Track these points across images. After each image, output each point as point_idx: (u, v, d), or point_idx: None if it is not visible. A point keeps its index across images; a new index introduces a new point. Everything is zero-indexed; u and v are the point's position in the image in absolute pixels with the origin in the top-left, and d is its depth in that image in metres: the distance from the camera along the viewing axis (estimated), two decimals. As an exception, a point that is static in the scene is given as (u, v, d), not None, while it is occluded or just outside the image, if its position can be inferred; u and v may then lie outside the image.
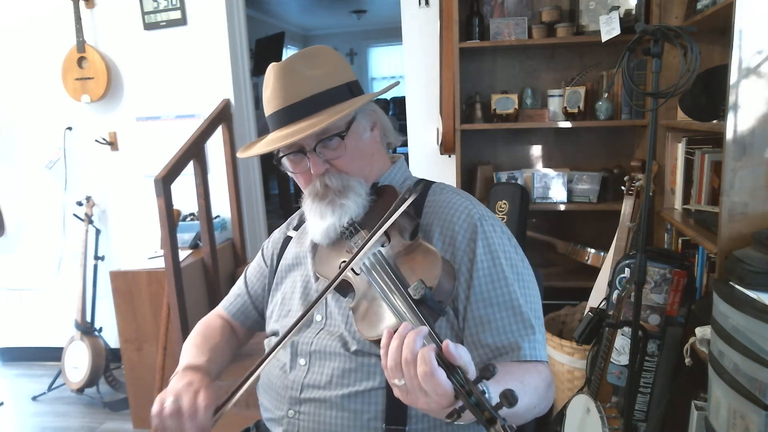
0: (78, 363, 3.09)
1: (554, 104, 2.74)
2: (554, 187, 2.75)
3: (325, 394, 1.03)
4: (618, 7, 2.45)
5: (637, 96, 2.49)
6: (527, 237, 2.71)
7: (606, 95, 2.64)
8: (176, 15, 3.09)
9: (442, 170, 2.98)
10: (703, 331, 1.58)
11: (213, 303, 2.82)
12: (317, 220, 1.06)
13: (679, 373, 1.91)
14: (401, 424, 0.99)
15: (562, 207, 2.73)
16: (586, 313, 2.04)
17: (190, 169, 2.71)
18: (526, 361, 0.97)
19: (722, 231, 1.55)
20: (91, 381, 3.08)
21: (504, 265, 1.01)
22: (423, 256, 0.92)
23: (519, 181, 2.77)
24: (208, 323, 1.30)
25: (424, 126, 3.06)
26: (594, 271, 2.50)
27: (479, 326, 0.99)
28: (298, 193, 1.15)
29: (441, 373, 0.70)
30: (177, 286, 2.51)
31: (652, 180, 2.01)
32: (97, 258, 3.26)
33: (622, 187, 2.27)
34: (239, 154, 1.13)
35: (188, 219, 3.13)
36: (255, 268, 1.32)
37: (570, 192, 2.75)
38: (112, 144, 3.32)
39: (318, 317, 1.11)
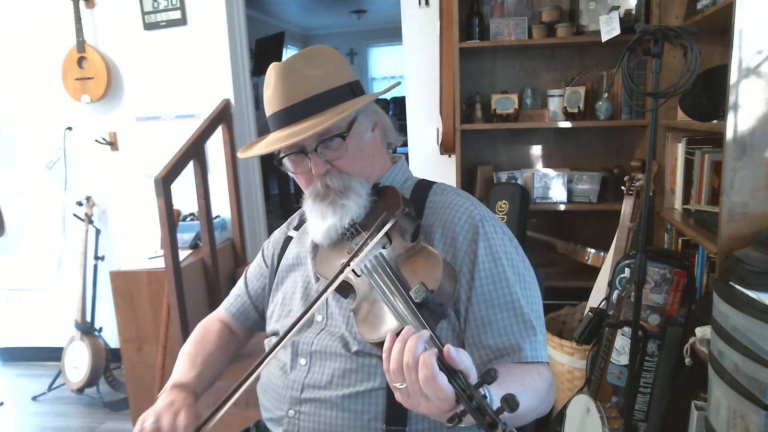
0: (78, 363, 3.09)
1: (554, 104, 2.74)
2: (554, 187, 2.75)
3: (325, 395, 1.03)
4: (618, 7, 2.45)
5: (637, 96, 2.49)
6: (527, 237, 2.71)
7: (606, 95, 2.64)
8: (176, 15, 3.09)
9: (442, 170, 2.98)
10: (703, 331, 1.58)
11: (213, 303, 2.82)
12: (318, 221, 1.06)
13: (679, 373, 1.91)
14: (401, 425, 0.99)
15: (562, 207, 2.73)
16: (586, 313, 2.04)
17: (190, 169, 2.71)
18: (528, 363, 0.97)
19: (722, 231, 1.55)
20: (91, 381, 3.08)
21: (505, 266, 1.01)
22: (424, 259, 0.92)
23: (519, 181, 2.77)
24: (206, 329, 1.30)
25: (424, 126, 3.06)
26: (594, 271, 2.50)
27: (480, 327, 0.99)
28: (299, 193, 1.15)
29: (442, 378, 0.70)
30: (177, 286, 2.51)
31: (652, 180, 2.01)
32: (97, 258, 3.26)
33: (622, 187, 2.27)
34: (240, 155, 1.12)
35: (188, 219, 3.13)
36: (255, 269, 1.33)
37: (570, 192, 2.75)
38: (112, 144, 3.32)
39: (319, 317, 1.11)
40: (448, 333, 1.01)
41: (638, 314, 1.70)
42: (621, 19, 2.35)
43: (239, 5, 3.19)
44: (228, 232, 3.18)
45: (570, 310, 2.53)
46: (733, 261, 1.44)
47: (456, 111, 2.64)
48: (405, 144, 2.59)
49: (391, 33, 4.99)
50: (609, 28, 2.36)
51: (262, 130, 1.48)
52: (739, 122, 1.48)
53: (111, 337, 3.18)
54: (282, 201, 5.82)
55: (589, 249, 2.74)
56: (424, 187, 1.15)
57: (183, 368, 1.18)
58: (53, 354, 3.40)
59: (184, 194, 2.86)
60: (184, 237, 2.96)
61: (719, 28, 2.02)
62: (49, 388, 3.20)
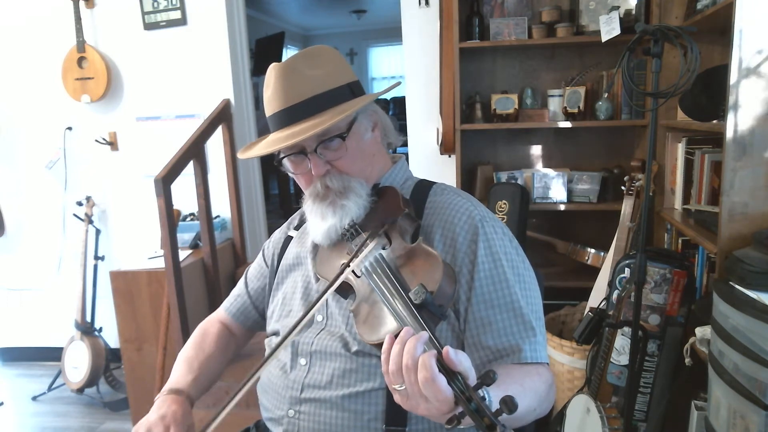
0: (78, 363, 3.10)
1: (554, 104, 2.74)
2: (554, 187, 2.75)
3: (325, 395, 1.03)
4: (618, 7, 2.45)
5: (637, 96, 2.49)
6: (527, 237, 2.71)
7: (606, 95, 2.64)
8: (176, 15, 3.09)
9: (442, 170, 2.98)
10: (703, 331, 1.58)
11: (213, 303, 2.82)
12: (318, 221, 1.06)
13: (679, 373, 1.91)
14: (401, 425, 0.99)
15: (562, 207, 2.73)
16: (586, 313, 2.04)
17: (190, 169, 2.71)
18: (527, 363, 0.97)
19: (722, 231, 1.55)
20: (91, 381, 3.08)
21: (505, 267, 1.01)
22: (424, 260, 0.92)
23: (519, 181, 2.77)
24: (205, 330, 1.31)
25: (424, 126, 3.06)
26: (594, 271, 2.50)
27: (480, 328, 0.99)
28: (298, 193, 1.15)
29: (441, 379, 0.70)
30: (177, 286, 2.51)
31: (652, 180, 2.01)
32: (97, 258, 3.26)
33: (622, 187, 2.27)
34: (240, 155, 1.12)
35: (188, 219, 3.13)
36: (255, 269, 1.33)
37: (570, 192, 2.75)
38: (112, 144, 3.32)
39: (319, 318, 1.11)
40: (448, 334, 1.01)
41: (638, 314, 1.70)
42: (621, 19, 2.35)
43: (239, 5, 3.19)
44: (228, 232, 3.19)
45: (570, 310, 2.53)
46: (733, 261, 1.44)
47: (456, 111, 2.64)
48: (405, 144, 2.59)
49: (391, 33, 4.99)
50: (609, 28, 2.36)
51: (262, 130, 1.48)
52: (739, 122, 1.48)
53: (111, 337, 3.19)
54: (282, 201, 5.82)
55: (589, 249, 2.74)
56: (424, 187, 1.14)
57: (180, 372, 1.19)
58: (53, 354, 3.40)
59: (184, 194, 2.86)
60: (184, 237, 2.96)
61: (719, 28, 2.02)
62: (49, 388, 3.20)
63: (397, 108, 8.10)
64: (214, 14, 3.07)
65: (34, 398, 3.17)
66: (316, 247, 1.13)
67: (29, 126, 3.40)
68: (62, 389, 3.19)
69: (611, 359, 1.95)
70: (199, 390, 1.18)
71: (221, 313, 1.35)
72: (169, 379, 1.18)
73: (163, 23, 3.11)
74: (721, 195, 1.55)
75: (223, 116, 3.03)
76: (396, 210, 1.01)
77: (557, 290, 2.62)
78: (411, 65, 3.02)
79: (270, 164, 1.13)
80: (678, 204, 2.21)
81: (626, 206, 2.23)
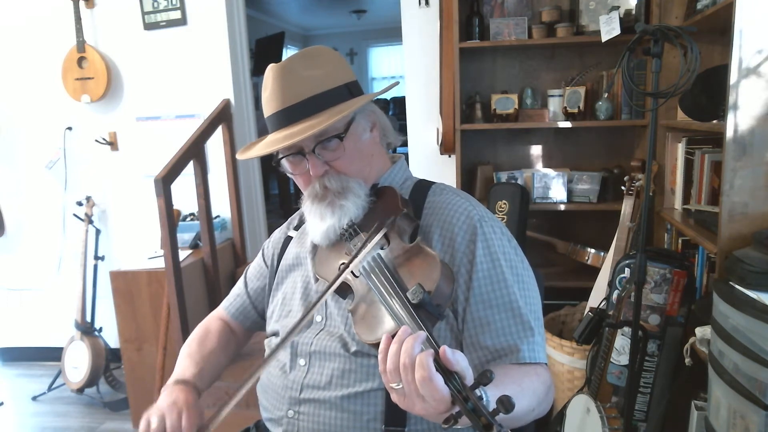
0: (78, 363, 3.10)
1: (554, 104, 2.74)
2: (554, 187, 2.75)
3: (324, 395, 1.03)
4: (618, 7, 2.44)
5: (637, 96, 2.49)
6: (527, 237, 2.70)
7: (606, 95, 2.64)
8: (176, 15, 3.09)
9: (442, 170, 2.98)
10: (703, 331, 1.57)
11: (213, 303, 2.82)
12: (317, 222, 1.06)
13: (679, 373, 1.91)
14: (400, 426, 0.99)
15: (562, 207, 2.73)
16: (586, 313, 2.04)
17: (190, 169, 2.71)
18: (526, 364, 0.96)
19: (722, 231, 1.55)
20: (91, 381, 3.08)
21: (504, 267, 1.01)
22: (422, 260, 0.92)
23: (519, 181, 2.77)
24: (207, 327, 1.31)
25: (424, 126, 3.05)
26: (594, 271, 2.50)
27: (478, 328, 0.99)
28: (298, 193, 1.15)
29: (438, 379, 0.70)
30: (177, 286, 2.51)
31: (652, 180, 2.01)
32: (97, 258, 3.26)
33: (622, 187, 2.27)
34: (239, 156, 1.12)
35: (188, 219, 3.13)
36: (255, 269, 1.33)
37: (570, 192, 2.75)
38: (112, 144, 3.32)
39: (318, 318, 1.11)
40: (446, 333, 1.01)
41: (638, 314, 1.70)
42: (621, 19, 2.35)
43: (239, 5, 3.19)
44: (228, 232, 3.19)
45: (570, 310, 2.53)
46: (733, 261, 1.44)
47: (456, 111, 2.64)
48: (405, 144, 2.59)
49: (391, 33, 4.99)
50: (609, 28, 2.36)
51: (262, 131, 1.48)
52: (739, 122, 1.48)
53: (111, 337, 3.19)
54: (282, 201, 5.83)
55: (589, 249, 2.74)
56: (423, 187, 1.14)
57: (185, 365, 1.18)
58: (53, 354, 3.40)
59: (184, 194, 2.86)
60: (184, 237, 2.96)
61: (719, 28, 2.02)
62: (49, 388, 3.20)
63: (397, 108, 8.11)
64: (214, 14, 3.07)
65: (34, 398, 3.17)
66: (315, 248, 1.12)
67: (29, 126, 3.40)
68: (62, 389, 3.19)
69: (611, 359, 1.95)
70: (204, 383, 1.17)
71: (221, 311, 1.35)
72: (174, 372, 1.17)
73: (163, 23, 3.11)
74: (721, 195, 1.54)
75: (223, 116, 3.03)
76: (395, 210, 1.01)
77: (557, 290, 2.62)
78: (411, 65, 3.02)
79: (270, 164, 1.13)
80: (678, 204, 2.21)
81: (626, 206, 2.23)
